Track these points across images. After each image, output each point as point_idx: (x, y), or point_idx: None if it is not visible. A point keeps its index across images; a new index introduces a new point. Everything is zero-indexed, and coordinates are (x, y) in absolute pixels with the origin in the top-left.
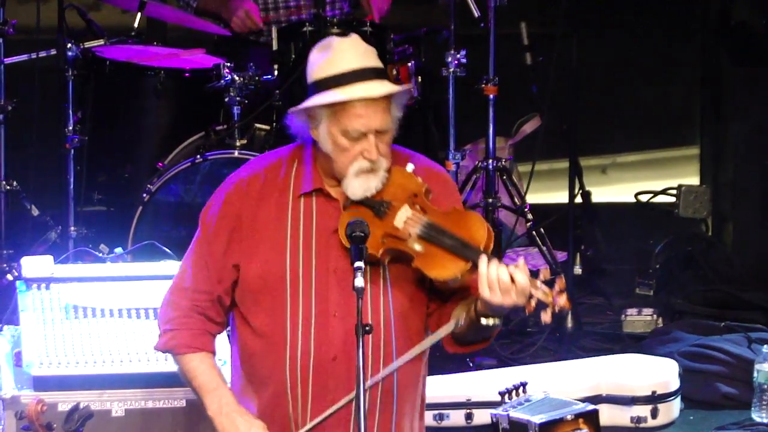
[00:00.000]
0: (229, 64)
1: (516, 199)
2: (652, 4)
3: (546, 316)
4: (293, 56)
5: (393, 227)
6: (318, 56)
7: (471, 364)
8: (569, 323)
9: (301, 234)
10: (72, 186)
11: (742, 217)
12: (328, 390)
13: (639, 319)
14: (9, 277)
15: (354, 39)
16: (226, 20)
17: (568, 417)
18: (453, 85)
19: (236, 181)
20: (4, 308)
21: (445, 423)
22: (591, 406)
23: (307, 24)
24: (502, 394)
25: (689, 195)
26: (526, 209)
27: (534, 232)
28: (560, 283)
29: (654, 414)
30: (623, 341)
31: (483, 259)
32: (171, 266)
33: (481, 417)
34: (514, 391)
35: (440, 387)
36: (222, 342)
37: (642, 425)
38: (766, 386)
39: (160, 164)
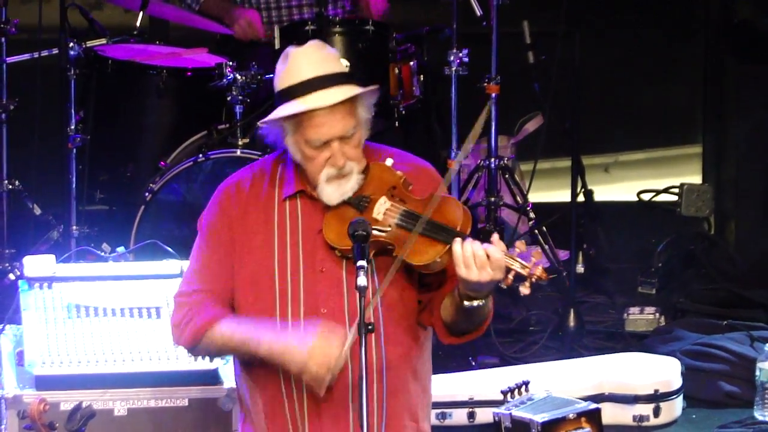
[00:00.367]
0: (231, 63)
1: (518, 198)
2: (655, 3)
3: (525, 289)
4: None
5: (373, 220)
6: (279, 67)
7: (473, 363)
8: (571, 322)
9: (288, 236)
10: (74, 185)
11: (745, 216)
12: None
13: (641, 317)
14: (11, 276)
15: (311, 47)
16: (228, 25)
17: (571, 416)
18: (455, 83)
19: (225, 188)
20: (6, 307)
21: (448, 422)
22: (593, 405)
23: (309, 23)
24: (504, 393)
25: (691, 193)
26: (528, 208)
27: (536, 231)
28: (536, 255)
29: (656, 413)
30: (625, 340)
31: (457, 240)
32: (173, 265)
33: (484, 416)
34: (517, 390)
35: (443, 386)
36: None
37: (644, 424)
38: None
39: (163, 163)
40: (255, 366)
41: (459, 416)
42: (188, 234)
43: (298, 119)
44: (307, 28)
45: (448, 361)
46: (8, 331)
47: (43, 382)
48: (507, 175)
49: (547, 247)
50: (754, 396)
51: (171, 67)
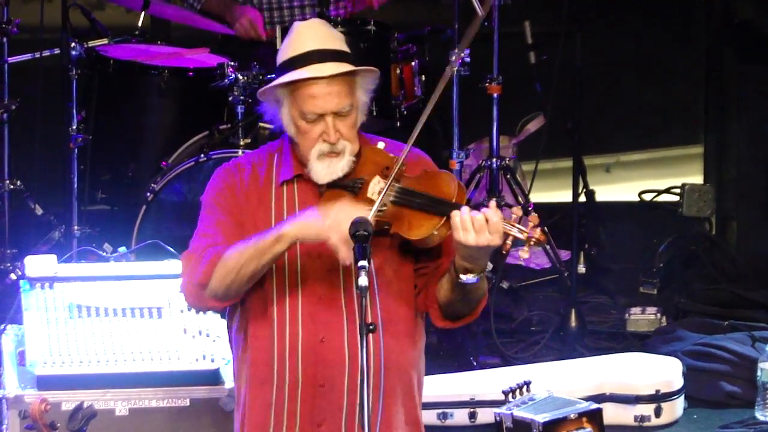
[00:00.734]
0: (233, 63)
1: (520, 198)
2: (656, 3)
3: (524, 253)
4: None
5: (368, 200)
6: (284, 42)
7: (475, 363)
8: (573, 322)
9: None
10: (76, 185)
11: (746, 216)
12: (317, 371)
13: (643, 317)
14: (12, 276)
15: (315, 22)
16: (230, 24)
17: (572, 416)
18: (457, 84)
19: (225, 168)
20: (7, 307)
21: (449, 422)
22: (595, 405)
23: None
24: (505, 393)
25: (693, 194)
26: (530, 208)
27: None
28: (533, 218)
29: (658, 413)
30: (627, 340)
31: (455, 210)
32: (175, 265)
33: (485, 416)
34: (518, 390)
35: (444, 386)
36: (223, 342)
37: (646, 424)
38: None
39: (164, 163)
40: (247, 364)
41: (460, 416)
42: (190, 234)
43: (296, 89)
44: None
45: (449, 361)
46: (10, 331)
47: (45, 382)
48: (508, 176)
49: (548, 247)
50: (755, 396)
51: (172, 67)
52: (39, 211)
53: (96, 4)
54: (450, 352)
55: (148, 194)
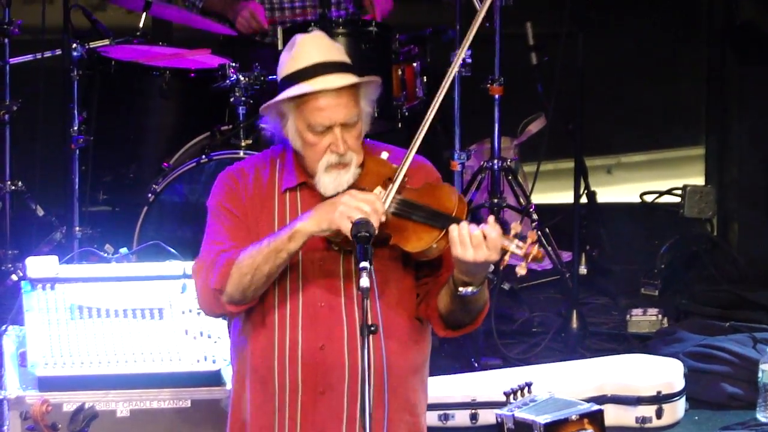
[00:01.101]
0: (234, 64)
1: (521, 199)
2: (658, 4)
3: (521, 269)
4: None
5: None
6: (285, 55)
7: (476, 364)
8: (574, 323)
9: None
10: (77, 186)
11: (748, 218)
12: (317, 378)
13: (644, 319)
14: (14, 277)
15: (317, 35)
16: (232, 21)
17: (573, 417)
18: (458, 85)
19: (229, 172)
20: (9, 308)
21: (450, 423)
22: (596, 407)
23: (313, 24)
24: (507, 394)
25: (694, 195)
26: (531, 209)
27: (539, 232)
28: (532, 235)
29: (659, 414)
30: (628, 341)
31: (453, 225)
32: (176, 266)
33: (486, 417)
34: (519, 392)
35: (445, 387)
36: (224, 343)
37: (647, 425)
38: None
39: (166, 164)
40: (247, 370)
41: (461, 417)
42: (191, 235)
43: (303, 102)
44: (310, 29)
45: (450, 362)
46: (11, 332)
47: (46, 383)
48: (510, 177)
49: (549, 248)
50: (756, 398)
51: (174, 68)
52: (40, 212)
53: (97, 5)
54: (451, 354)
55: (150, 195)
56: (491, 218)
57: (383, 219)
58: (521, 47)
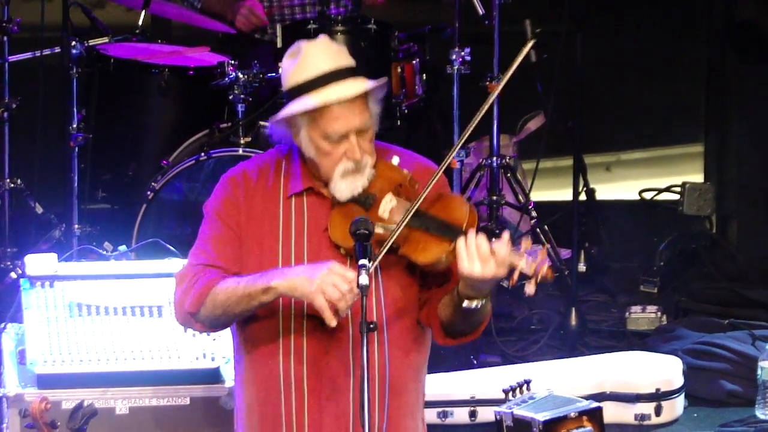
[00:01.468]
0: (233, 62)
1: (520, 197)
2: (657, 2)
3: (530, 288)
4: None
5: (379, 218)
6: (289, 63)
7: (475, 362)
8: (573, 321)
9: (293, 232)
10: (76, 184)
11: (747, 215)
12: (323, 384)
13: (643, 316)
14: (13, 275)
15: (322, 41)
16: (231, 21)
17: (572, 414)
18: (457, 82)
19: (231, 176)
20: (7, 306)
21: (449, 420)
22: (595, 404)
23: (312, 22)
24: (506, 391)
25: (693, 192)
26: (530, 207)
27: (538, 230)
28: (542, 253)
29: (658, 411)
30: (627, 339)
31: (461, 237)
32: (175, 264)
33: (485, 414)
34: (518, 389)
35: (444, 384)
36: (223, 341)
37: (646, 422)
38: None
39: (165, 162)
40: (251, 375)
41: (460, 415)
42: (190, 233)
43: (316, 113)
44: (309, 27)
45: (449, 359)
46: (10, 329)
47: (45, 381)
48: (509, 174)
49: (549, 245)
50: (755, 395)
51: (173, 65)
52: (39, 209)
53: (96, 3)
54: (450, 351)
55: (149, 193)
56: (506, 235)
57: (356, 299)
58: (520, 45)
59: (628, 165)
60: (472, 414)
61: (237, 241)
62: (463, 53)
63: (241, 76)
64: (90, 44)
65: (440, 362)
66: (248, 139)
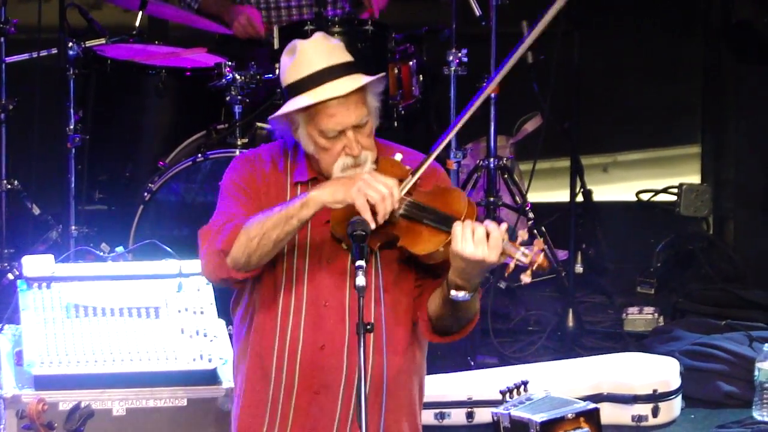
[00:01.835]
0: (230, 63)
1: (517, 198)
2: (654, 3)
3: (526, 277)
4: None
5: None
6: (286, 60)
7: (472, 363)
8: (570, 322)
9: None
10: (73, 185)
11: (744, 216)
12: (313, 378)
13: (640, 317)
14: (10, 276)
15: (317, 38)
16: (228, 23)
17: (569, 416)
18: (454, 83)
19: (245, 156)
20: (5, 307)
21: (446, 422)
22: (592, 405)
23: (309, 23)
24: (503, 392)
25: (690, 193)
26: (527, 208)
27: (535, 231)
28: (538, 243)
29: (655, 412)
30: (624, 340)
31: (458, 222)
32: (172, 265)
33: (482, 416)
34: (515, 390)
35: (441, 386)
36: (220, 342)
37: (643, 424)
38: (767, 384)
39: (162, 163)
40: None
41: (457, 416)
42: (187, 234)
43: (312, 110)
44: (306, 28)
45: (446, 360)
46: (7, 330)
47: (42, 382)
48: (506, 175)
49: (545, 247)
50: (752, 396)
51: (170, 67)
52: (36, 210)
53: (93, 4)
54: (447, 352)
55: (146, 194)
56: (504, 225)
57: (396, 206)
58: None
59: (625, 166)
60: (469, 415)
61: (256, 209)
62: (460, 54)
63: (238, 77)
64: (87, 45)
65: (437, 363)
66: (245, 141)
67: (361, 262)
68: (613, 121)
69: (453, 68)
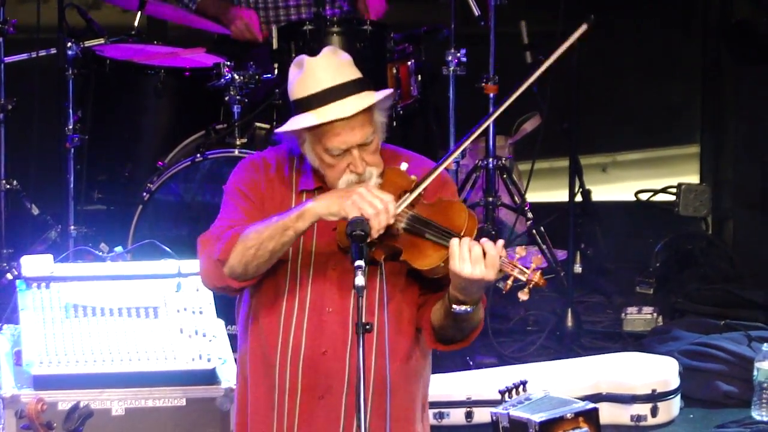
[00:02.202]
0: (229, 63)
1: (516, 198)
2: (653, 3)
3: (523, 295)
4: (293, 55)
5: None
6: (294, 74)
7: (471, 363)
8: (569, 322)
9: None
10: (72, 185)
11: (742, 216)
12: (317, 383)
13: (639, 317)
14: (9, 276)
15: (326, 54)
16: (226, 25)
17: (568, 415)
18: (453, 83)
19: (252, 159)
20: (4, 307)
21: (446, 421)
22: (591, 405)
23: (307, 23)
24: (502, 392)
25: (689, 193)
26: (526, 208)
27: (534, 231)
28: (536, 260)
29: (654, 412)
30: (623, 340)
31: (455, 239)
32: (171, 265)
33: (481, 415)
34: (514, 390)
35: (440, 385)
36: (219, 342)
37: (642, 423)
38: (765, 384)
39: (161, 163)
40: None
41: (456, 416)
42: (186, 234)
43: (318, 129)
44: (304, 28)
45: (445, 360)
46: (6, 330)
47: (41, 382)
48: (505, 175)
49: (544, 247)
50: (751, 396)
51: (169, 66)
52: (35, 210)
53: (92, 4)
54: (446, 352)
55: (145, 194)
56: (501, 242)
57: (391, 221)
58: (516, 46)
59: (624, 166)
60: (469, 415)
61: (259, 216)
62: (458, 54)
63: (237, 77)
64: (86, 45)
65: (436, 363)
66: (244, 141)
67: (360, 262)
68: (612, 121)
69: (452, 68)
